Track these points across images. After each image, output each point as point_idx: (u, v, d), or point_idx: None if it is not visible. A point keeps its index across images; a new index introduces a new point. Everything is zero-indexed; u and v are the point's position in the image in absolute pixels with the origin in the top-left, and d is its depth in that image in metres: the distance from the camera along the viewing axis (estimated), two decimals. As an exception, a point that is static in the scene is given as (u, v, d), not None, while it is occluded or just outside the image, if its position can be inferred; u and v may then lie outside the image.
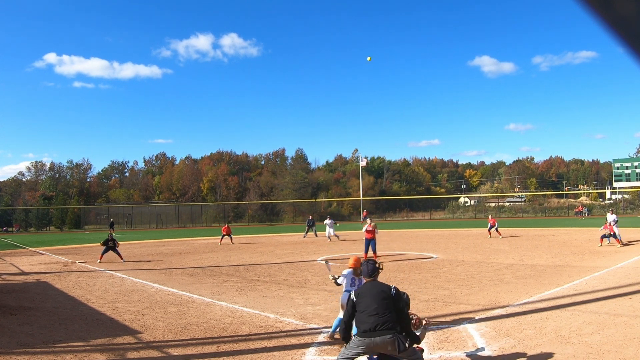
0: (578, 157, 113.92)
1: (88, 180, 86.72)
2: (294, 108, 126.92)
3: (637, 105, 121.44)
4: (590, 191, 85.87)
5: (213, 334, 7.44)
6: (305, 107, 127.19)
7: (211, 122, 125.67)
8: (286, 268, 15.33)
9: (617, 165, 73.56)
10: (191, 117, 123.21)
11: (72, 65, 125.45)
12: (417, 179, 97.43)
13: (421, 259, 16.84)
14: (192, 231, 46.15)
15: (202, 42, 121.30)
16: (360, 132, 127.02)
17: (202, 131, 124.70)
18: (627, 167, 72.16)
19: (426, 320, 5.88)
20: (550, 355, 5.85)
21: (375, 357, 4.70)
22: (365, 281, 4.90)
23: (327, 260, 4.82)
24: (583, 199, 76.40)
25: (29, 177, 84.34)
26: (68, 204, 68.55)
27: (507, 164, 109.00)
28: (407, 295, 5.68)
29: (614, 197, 71.64)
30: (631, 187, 68.88)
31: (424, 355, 5.85)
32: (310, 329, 7.62)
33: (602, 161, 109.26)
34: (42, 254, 23.00)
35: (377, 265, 4.94)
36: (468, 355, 6.03)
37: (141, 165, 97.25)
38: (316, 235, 29.77)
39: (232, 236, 26.31)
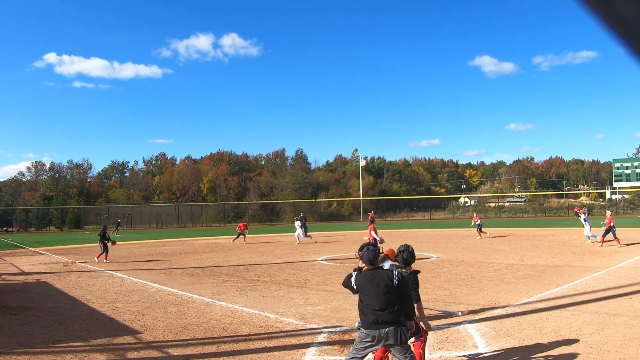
0: (578, 157, 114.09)
1: (88, 180, 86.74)
2: (294, 108, 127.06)
3: (637, 105, 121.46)
4: (590, 191, 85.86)
5: (213, 334, 7.44)
6: (305, 107, 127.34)
7: (211, 122, 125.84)
8: (286, 268, 15.33)
9: (617, 165, 73.57)
10: (191, 117, 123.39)
11: (72, 65, 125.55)
12: (417, 179, 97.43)
13: (421, 259, 16.83)
14: (192, 231, 46.15)
15: (202, 42, 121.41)
16: (360, 132, 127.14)
17: (202, 131, 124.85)
18: (627, 167, 72.17)
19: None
20: (550, 355, 5.85)
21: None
22: (365, 268, 4.79)
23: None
24: (583, 199, 76.40)
25: (29, 177, 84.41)
26: (68, 204, 68.55)
27: (507, 164, 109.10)
28: (415, 276, 5.63)
29: (614, 197, 71.66)
30: (631, 187, 68.89)
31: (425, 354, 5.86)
32: (310, 329, 7.62)
33: (602, 161, 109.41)
34: (42, 254, 23.00)
35: (378, 251, 4.86)
36: (468, 355, 6.03)
37: (141, 165, 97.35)
38: (305, 236, 29.36)
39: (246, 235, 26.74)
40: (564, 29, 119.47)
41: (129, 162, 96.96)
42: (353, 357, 4.59)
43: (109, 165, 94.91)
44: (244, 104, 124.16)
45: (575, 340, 6.34)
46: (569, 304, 8.63)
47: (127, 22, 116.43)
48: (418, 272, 5.76)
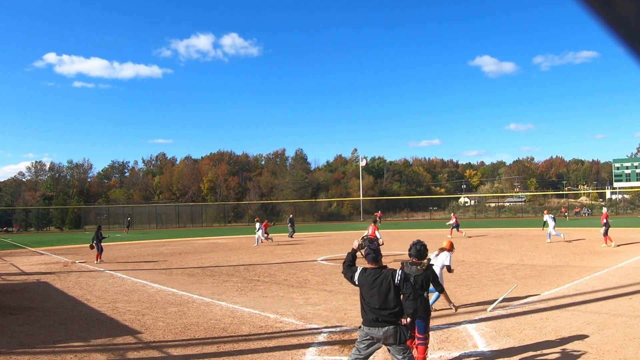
0: (578, 157, 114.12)
1: (88, 180, 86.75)
2: (294, 108, 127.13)
3: (637, 105, 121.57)
4: (591, 191, 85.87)
5: (213, 334, 7.44)
6: (305, 107, 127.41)
7: (211, 122, 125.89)
8: (286, 268, 15.33)
9: (617, 165, 73.63)
10: (191, 117, 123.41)
11: (72, 65, 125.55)
12: (417, 179, 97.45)
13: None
14: (192, 231, 46.15)
15: (202, 41, 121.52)
16: (360, 132, 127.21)
17: (202, 131, 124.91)
18: (627, 167, 72.21)
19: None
20: (550, 355, 5.85)
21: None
22: (370, 266, 4.79)
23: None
24: (583, 199, 76.42)
25: (29, 177, 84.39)
26: (68, 204, 68.54)
27: (507, 164, 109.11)
28: (433, 269, 5.83)
29: (614, 197, 71.68)
30: (631, 187, 68.90)
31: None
32: (310, 329, 7.62)
33: (602, 161, 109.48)
34: (42, 254, 23.00)
35: (379, 249, 4.85)
36: (468, 355, 6.03)
37: (141, 165, 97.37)
38: (291, 237, 29.41)
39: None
40: (564, 28, 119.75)
41: (129, 162, 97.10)
42: (356, 357, 4.58)
43: (109, 165, 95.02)
44: (244, 104, 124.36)
45: (575, 340, 6.34)
46: (569, 304, 8.63)
47: (127, 22, 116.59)
48: (432, 265, 6.01)
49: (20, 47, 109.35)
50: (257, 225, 24.32)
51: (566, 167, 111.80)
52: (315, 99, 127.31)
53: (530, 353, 5.95)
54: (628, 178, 71.63)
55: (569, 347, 6.09)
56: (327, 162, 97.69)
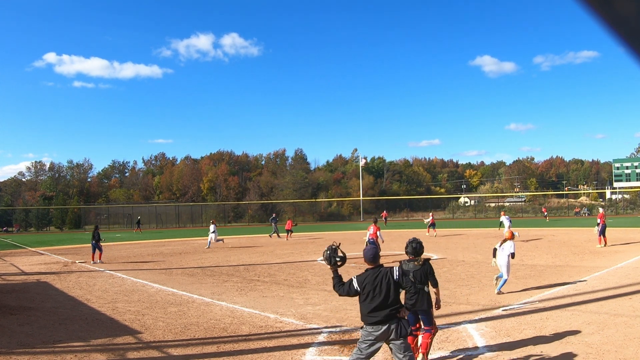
0: (578, 157, 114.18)
1: (88, 180, 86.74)
2: (294, 108, 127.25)
3: (637, 105, 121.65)
4: (591, 191, 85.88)
5: (213, 334, 7.43)
6: (305, 107, 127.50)
7: (211, 122, 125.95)
8: (286, 268, 15.33)
9: (617, 165, 73.64)
10: (191, 117, 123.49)
11: (72, 64, 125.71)
12: (417, 179, 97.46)
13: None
14: (192, 231, 46.15)
15: (202, 41, 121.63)
16: (360, 132, 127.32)
17: (202, 131, 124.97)
18: (627, 167, 72.20)
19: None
20: (550, 355, 5.85)
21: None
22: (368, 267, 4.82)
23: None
24: (583, 199, 76.41)
25: (29, 177, 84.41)
26: (68, 204, 68.54)
27: (507, 164, 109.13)
28: (430, 264, 5.87)
29: (614, 197, 71.68)
30: (631, 187, 68.89)
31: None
32: (310, 329, 7.62)
33: (602, 161, 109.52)
34: (42, 254, 23.00)
35: (378, 250, 4.88)
36: (468, 355, 6.03)
37: (141, 165, 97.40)
38: (278, 236, 29.51)
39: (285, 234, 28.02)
40: (564, 28, 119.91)
41: (129, 162, 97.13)
42: (357, 357, 4.58)
43: (109, 165, 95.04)
44: (244, 104, 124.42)
45: (575, 340, 6.33)
46: (569, 304, 8.62)
47: (127, 22, 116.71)
48: (429, 259, 6.04)
49: (20, 47, 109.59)
50: (212, 227, 23.73)
51: (566, 167, 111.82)
52: (315, 99, 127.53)
53: (531, 353, 5.95)
54: (628, 178, 71.63)
55: (569, 347, 6.08)
56: (327, 162, 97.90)
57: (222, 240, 24.48)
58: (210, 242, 23.58)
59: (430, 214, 31.52)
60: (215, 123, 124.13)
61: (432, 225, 28.39)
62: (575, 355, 5.75)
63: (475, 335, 6.87)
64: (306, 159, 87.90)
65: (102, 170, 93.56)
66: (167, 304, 9.90)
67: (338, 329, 7.51)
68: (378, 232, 16.54)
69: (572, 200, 75.41)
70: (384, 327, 4.46)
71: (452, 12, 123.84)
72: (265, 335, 7.34)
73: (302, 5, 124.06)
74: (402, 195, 74.53)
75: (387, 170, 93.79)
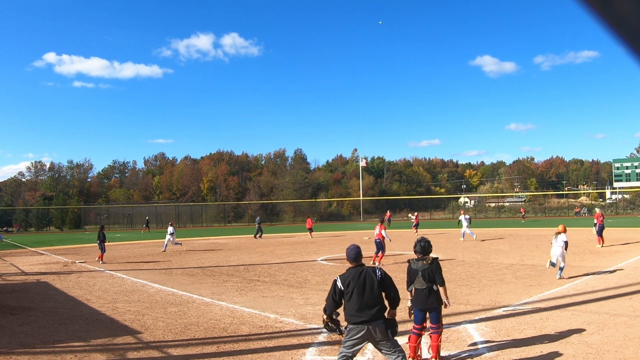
0: (578, 157, 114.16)
1: (88, 180, 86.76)
2: (294, 108, 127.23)
3: (637, 105, 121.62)
4: (591, 191, 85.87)
5: (213, 334, 7.44)
6: (305, 107, 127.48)
7: (211, 122, 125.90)
8: (286, 268, 15.33)
9: (617, 165, 73.61)
10: (191, 117, 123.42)
11: (72, 64, 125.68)
12: (417, 179, 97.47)
13: (421, 259, 16.79)
14: (192, 231, 46.15)
15: (203, 41, 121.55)
16: (360, 132, 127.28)
17: (202, 131, 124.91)
18: (627, 167, 72.19)
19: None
20: (550, 355, 5.85)
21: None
22: (350, 266, 4.82)
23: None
24: (583, 199, 76.41)
25: (29, 177, 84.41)
26: (68, 204, 68.54)
27: (507, 164, 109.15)
28: (438, 262, 6.03)
29: (614, 197, 71.67)
30: (631, 187, 68.89)
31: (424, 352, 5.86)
32: (310, 329, 7.62)
33: (602, 161, 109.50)
34: (42, 254, 23.00)
35: (360, 250, 4.85)
36: (468, 355, 6.03)
37: (141, 165, 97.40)
38: (261, 237, 29.47)
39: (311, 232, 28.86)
40: (565, 28, 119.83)
41: (129, 162, 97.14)
42: (344, 355, 4.58)
43: (109, 165, 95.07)
44: (244, 104, 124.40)
45: (575, 341, 6.34)
46: (569, 304, 8.63)
47: (127, 22, 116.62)
48: (437, 258, 6.12)
49: (20, 47, 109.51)
50: (170, 229, 22.45)
51: (566, 167, 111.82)
52: (315, 98, 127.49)
53: (530, 353, 5.95)
54: (628, 178, 71.62)
55: (569, 347, 6.08)
56: (327, 162, 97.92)
57: (180, 243, 23.52)
58: (166, 245, 22.36)
59: (415, 214, 33.13)
60: (215, 123, 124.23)
61: (416, 225, 30.14)
62: (575, 355, 5.75)
63: (475, 335, 6.87)
64: (306, 159, 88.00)
65: (102, 170, 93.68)
66: (167, 304, 9.90)
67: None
68: (383, 232, 16.49)
69: (572, 200, 75.36)
70: (369, 327, 4.46)
71: (452, 12, 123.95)
72: (265, 335, 7.34)
73: (302, 5, 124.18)
74: (402, 196, 74.53)
75: (387, 170, 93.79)
